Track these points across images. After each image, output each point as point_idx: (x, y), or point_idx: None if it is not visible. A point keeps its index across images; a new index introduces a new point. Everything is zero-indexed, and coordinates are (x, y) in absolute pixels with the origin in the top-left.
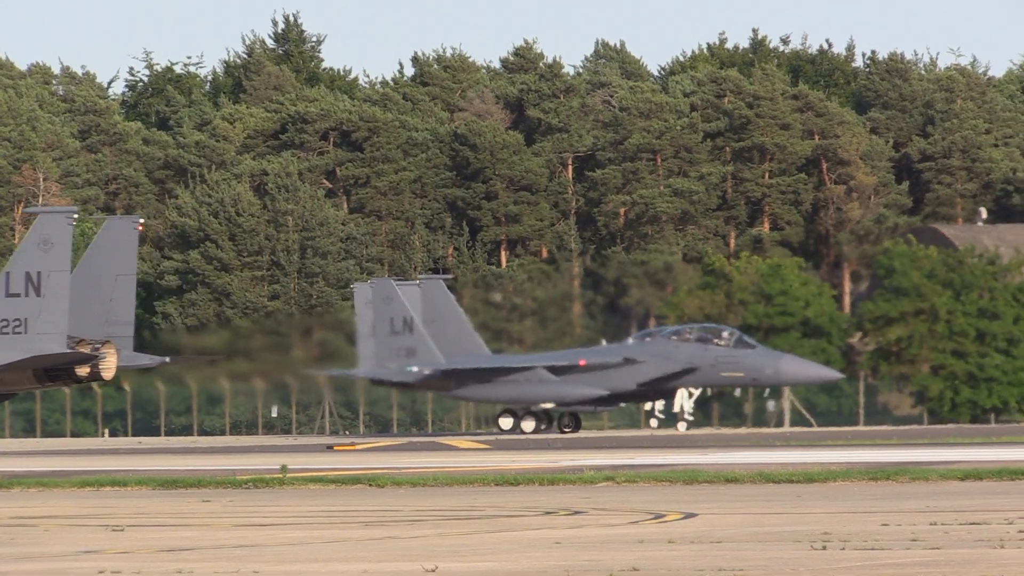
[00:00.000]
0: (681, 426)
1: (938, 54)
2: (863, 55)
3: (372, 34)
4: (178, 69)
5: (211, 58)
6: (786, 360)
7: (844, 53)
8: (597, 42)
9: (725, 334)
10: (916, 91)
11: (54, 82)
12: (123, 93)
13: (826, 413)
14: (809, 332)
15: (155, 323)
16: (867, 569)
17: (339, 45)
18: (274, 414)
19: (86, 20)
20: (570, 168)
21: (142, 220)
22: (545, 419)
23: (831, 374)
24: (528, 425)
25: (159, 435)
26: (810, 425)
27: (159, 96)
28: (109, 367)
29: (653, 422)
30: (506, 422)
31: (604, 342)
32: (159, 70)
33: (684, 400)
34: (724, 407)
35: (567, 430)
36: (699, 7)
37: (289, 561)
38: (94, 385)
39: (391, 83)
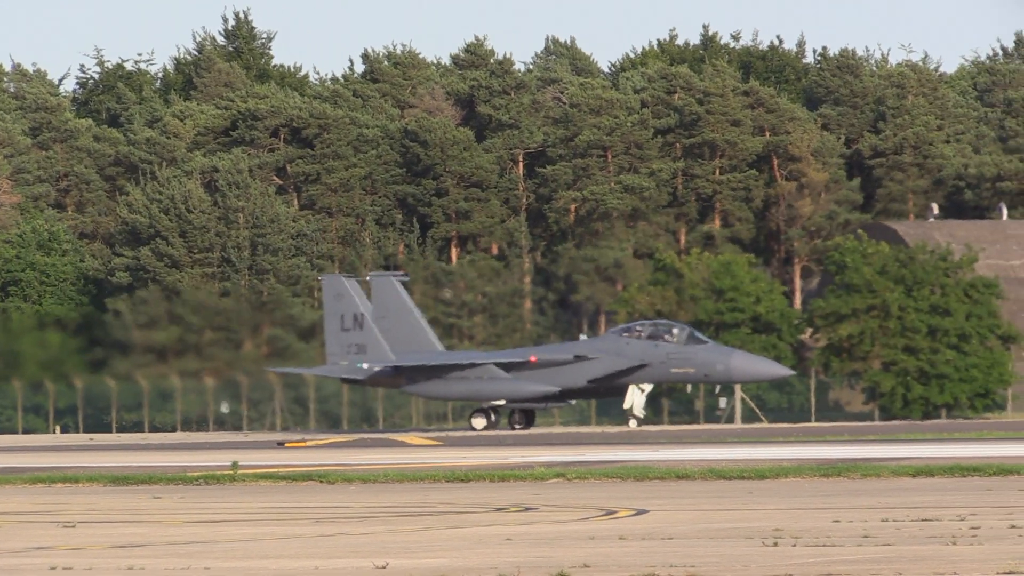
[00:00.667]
0: (632, 423)
1: (889, 50)
2: (814, 51)
3: (322, 31)
4: (129, 66)
5: (162, 55)
6: (737, 357)
7: (795, 49)
8: (548, 39)
9: (676, 330)
10: (867, 87)
11: (5, 79)
12: (74, 90)
13: (777, 410)
14: (760, 328)
15: (106, 320)
16: (819, 566)
17: (289, 42)
18: (225, 410)
19: (37, 17)
20: (521, 164)
21: None
22: (522, 417)
23: (782, 371)
24: (479, 422)
25: (110, 432)
26: (761, 421)
27: (110, 93)
28: None
29: (632, 423)
30: (478, 422)
31: (583, 337)
32: (110, 67)
33: (636, 397)
34: (675, 404)
35: (518, 427)
36: (649, 4)
37: (240, 557)
38: (46, 381)
39: (341, 80)
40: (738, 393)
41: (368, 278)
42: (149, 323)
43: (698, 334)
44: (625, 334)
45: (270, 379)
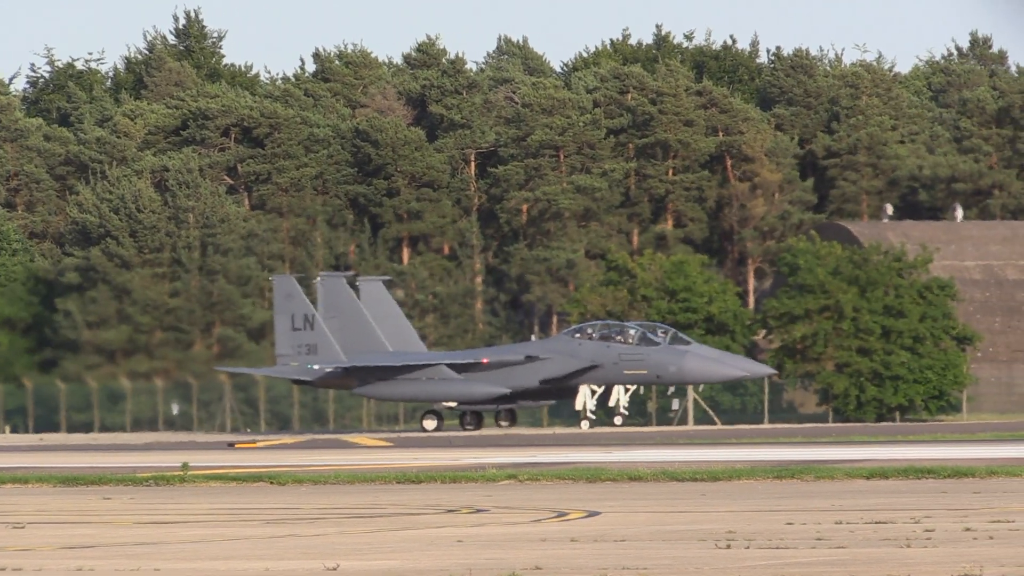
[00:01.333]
0: (584, 424)
1: (843, 50)
2: (767, 51)
3: (273, 30)
4: (79, 65)
5: (112, 54)
6: (690, 357)
7: (748, 49)
8: (500, 38)
9: (630, 331)
10: (821, 87)
11: None
12: (24, 89)
13: (730, 411)
14: (713, 329)
15: (56, 320)
16: (772, 568)
17: (240, 41)
18: (175, 411)
19: None
20: (472, 164)
21: None
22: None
23: (734, 372)
24: (430, 424)
25: (60, 432)
26: (714, 423)
27: (60, 92)
28: None
29: (618, 419)
30: (429, 423)
31: (535, 338)
32: (60, 66)
33: (587, 398)
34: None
35: (469, 428)
36: (602, 3)
37: (190, 559)
38: None
39: (292, 79)
40: (691, 394)
41: (317, 279)
42: (99, 323)
43: (682, 335)
44: (577, 335)
45: (220, 380)
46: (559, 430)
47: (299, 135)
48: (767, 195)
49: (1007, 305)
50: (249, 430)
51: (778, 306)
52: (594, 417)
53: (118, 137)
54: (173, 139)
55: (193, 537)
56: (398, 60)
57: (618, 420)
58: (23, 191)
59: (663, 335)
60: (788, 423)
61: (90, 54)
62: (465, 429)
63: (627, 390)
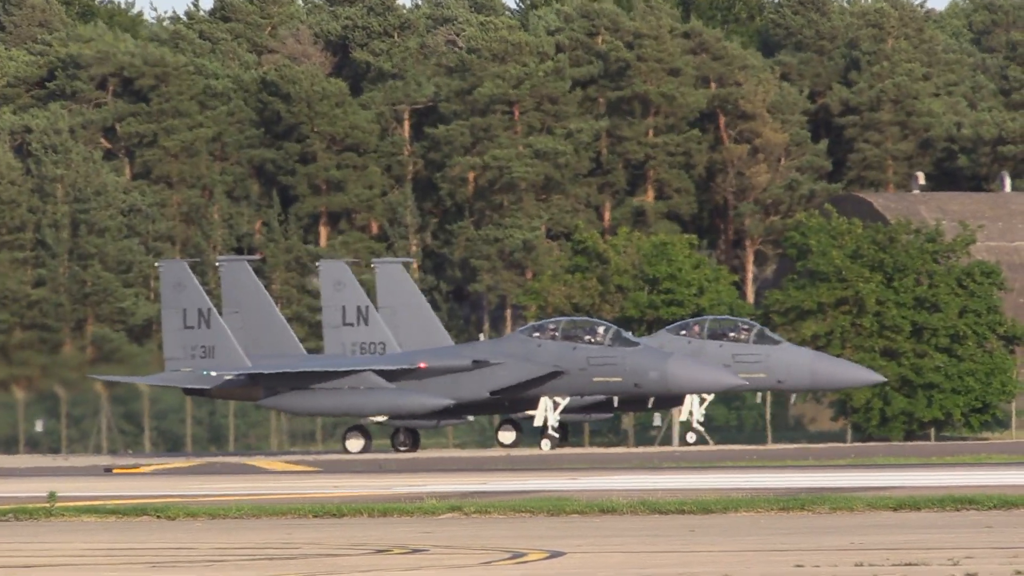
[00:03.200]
0: (545, 444)
1: None
2: None
3: None
4: None
5: None
6: (675, 361)
7: None
8: None
9: (600, 330)
10: (837, 28)
11: None
12: None
13: (725, 428)
14: None
15: None
16: None
17: None
18: (39, 429)
19: None
20: (407, 124)
21: None
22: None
23: (734, 380)
24: (355, 443)
25: None
26: (706, 443)
27: None
28: None
29: (545, 443)
30: (354, 443)
31: (484, 338)
32: None
33: (549, 411)
34: (597, 421)
35: (403, 448)
36: None
37: None
38: None
39: (184, 19)
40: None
41: (218, 263)
42: None
43: (772, 334)
44: (536, 334)
45: (95, 390)
46: (514, 451)
47: (192, 88)
48: (770, 161)
49: None
50: (131, 451)
51: (784, 298)
52: (558, 436)
53: None
54: (37, 93)
55: None
56: None
57: (546, 444)
58: None
59: (746, 331)
60: (796, 443)
61: None
62: (398, 450)
63: (556, 404)
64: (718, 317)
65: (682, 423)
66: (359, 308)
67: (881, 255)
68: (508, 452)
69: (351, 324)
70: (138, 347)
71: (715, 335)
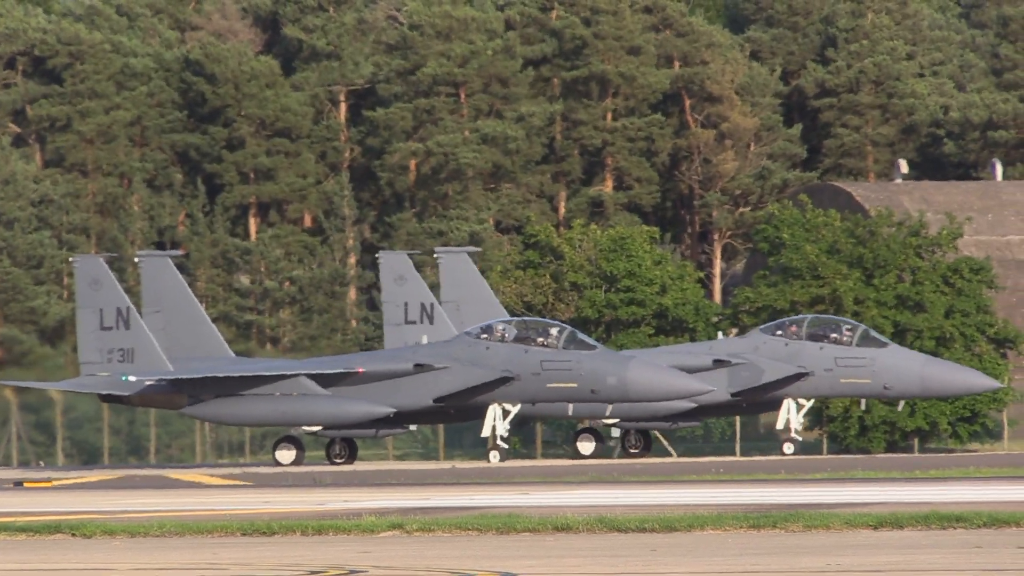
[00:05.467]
0: (494, 456)
1: None
2: None
3: None
4: None
5: None
6: (635, 366)
7: None
8: None
9: (554, 331)
10: (811, 2)
11: None
12: None
13: (690, 439)
14: (667, 327)
15: None
16: None
17: None
18: None
19: None
20: (343, 107)
21: None
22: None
23: (698, 386)
24: (286, 455)
25: None
26: (668, 455)
27: None
28: None
29: (788, 447)
30: (285, 454)
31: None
32: None
33: (497, 420)
34: (551, 431)
35: (339, 460)
36: None
37: None
38: None
39: None
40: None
41: (137, 259)
42: None
43: (878, 335)
44: (484, 336)
45: (3, 396)
46: (460, 464)
47: (109, 67)
48: (739, 147)
49: None
50: (43, 463)
51: (754, 297)
52: (507, 446)
53: None
54: None
55: None
56: None
57: (495, 457)
58: None
59: (849, 332)
60: (768, 454)
61: None
62: (334, 462)
63: (506, 414)
64: (819, 316)
65: (779, 431)
66: (423, 304)
67: (860, 250)
68: (453, 465)
69: (414, 322)
70: (50, 349)
71: (815, 336)
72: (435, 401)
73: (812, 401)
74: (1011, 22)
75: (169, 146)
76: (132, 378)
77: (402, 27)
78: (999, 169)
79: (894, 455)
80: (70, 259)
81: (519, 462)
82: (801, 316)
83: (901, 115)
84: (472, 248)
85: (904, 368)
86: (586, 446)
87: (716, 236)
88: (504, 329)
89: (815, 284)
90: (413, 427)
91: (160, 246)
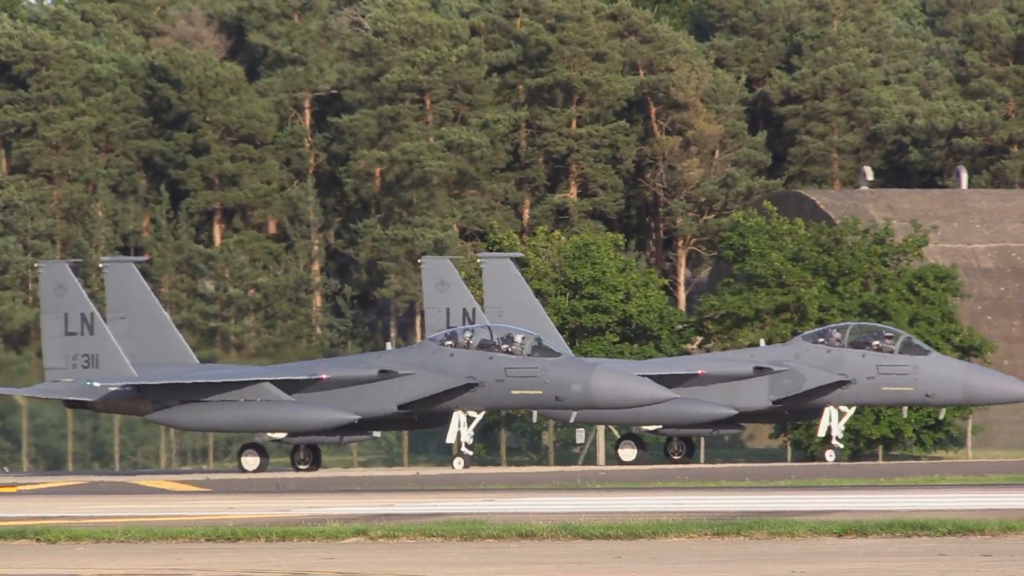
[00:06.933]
0: (458, 462)
1: None
2: None
3: None
4: None
5: None
6: (600, 373)
7: None
8: None
9: (519, 338)
10: (777, 10)
11: None
12: None
13: (654, 445)
14: (631, 335)
15: None
16: None
17: None
18: None
19: None
20: (308, 113)
21: None
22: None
23: (664, 393)
24: (251, 462)
25: None
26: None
27: None
28: None
29: (830, 455)
30: (250, 460)
31: (391, 347)
32: None
33: (462, 427)
34: (516, 438)
35: (304, 467)
36: None
37: None
38: None
39: None
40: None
41: (102, 264)
42: None
43: (920, 342)
44: (449, 342)
45: None
46: (424, 470)
47: (75, 73)
48: (704, 154)
49: None
50: (7, 469)
51: (719, 304)
52: (471, 453)
53: None
54: None
55: None
56: None
57: (459, 463)
58: None
59: (891, 340)
60: (732, 462)
61: None
62: (298, 469)
63: (469, 420)
64: (862, 324)
65: (821, 439)
66: (465, 311)
67: (825, 258)
68: (417, 471)
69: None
70: (15, 355)
71: (857, 344)
72: (399, 408)
73: (853, 409)
74: (976, 30)
75: (134, 152)
76: (97, 384)
77: (367, 33)
78: (964, 177)
79: (859, 463)
80: (35, 265)
81: (484, 469)
82: (844, 323)
83: (866, 122)
84: (516, 254)
85: (946, 376)
86: (628, 452)
87: (681, 243)
88: (469, 336)
89: (780, 292)
90: (377, 434)
91: (124, 252)
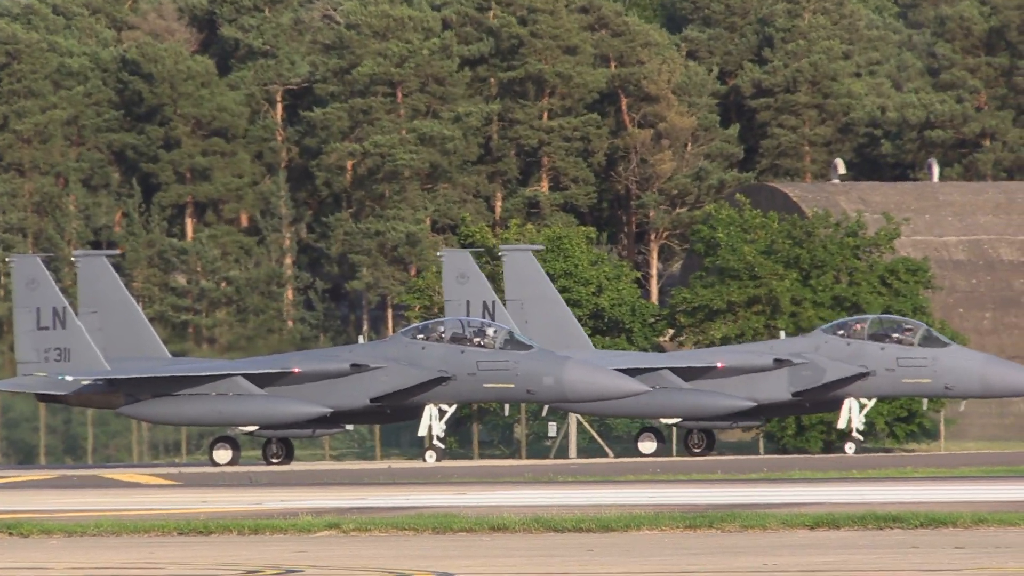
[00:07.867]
0: (430, 456)
1: None
2: None
3: None
4: None
5: None
6: (572, 366)
7: None
8: None
9: (491, 331)
10: (748, 2)
11: None
12: None
13: (626, 438)
14: (602, 328)
15: None
16: None
17: None
18: None
19: None
20: (279, 106)
21: None
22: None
23: (636, 387)
24: (223, 455)
25: None
26: (605, 455)
27: None
28: None
29: (850, 447)
30: (222, 454)
31: (364, 340)
32: None
33: (434, 420)
34: (488, 431)
35: (276, 460)
36: None
37: None
38: None
39: None
40: (573, 416)
41: (74, 258)
42: None
43: (940, 335)
44: (420, 336)
45: None
46: (396, 464)
47: (46, 67)
48: (676, 147)
49: (1000, 295)
50: None
51: (691, 297)
52: (443, 446)
53: None
54: None
55: None
56: None
57: (430, 457)
58: None
59: (911, 332)
60: (704, 455)
61: None
62: (271, 462)
63: (441, 413)
64: (882, 316)
65: (840, 431)
66: (485, 303)
67: (797, 250)
68: (389, 465)
69: None
70: None
71: (877, 336)
72: (372, 401)
73: (874, 401)
74: (948, 22)
75: (105, 145)
76: (69, 378)
77: (339, 27)
78: (936, 169)
79: (831, 455)
80: (7, 259)
81: (456, 462)
82: (864, 316)
83: (838, 115)
84: (537, 247)
85: (965, 368)
86: (647, 445)
87: (653, 236)
88: (441, 329)
89: (752, 284)
90: (350, 427)
91: (96, 246)
